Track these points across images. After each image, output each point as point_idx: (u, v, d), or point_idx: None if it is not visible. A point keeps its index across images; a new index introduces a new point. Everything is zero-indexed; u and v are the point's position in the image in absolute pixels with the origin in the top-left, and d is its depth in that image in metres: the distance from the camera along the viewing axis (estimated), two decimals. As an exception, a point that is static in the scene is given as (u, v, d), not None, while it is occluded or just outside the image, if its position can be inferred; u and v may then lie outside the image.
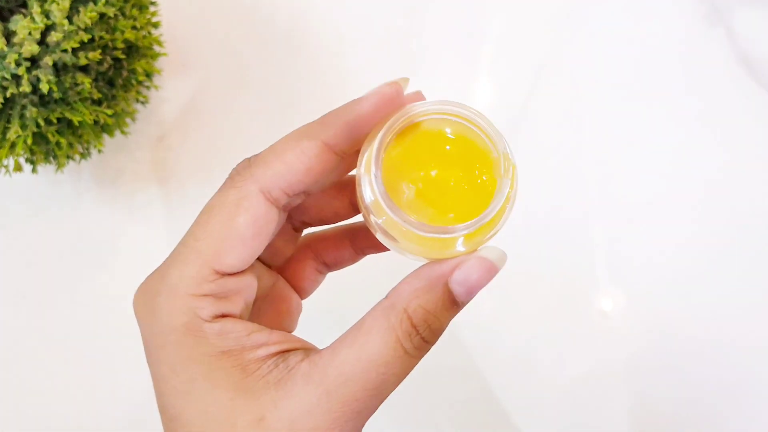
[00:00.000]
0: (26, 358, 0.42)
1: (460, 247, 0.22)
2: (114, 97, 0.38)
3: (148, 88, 0.43)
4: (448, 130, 0.24)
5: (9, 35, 0.33)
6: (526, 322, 0.42)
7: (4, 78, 0.33)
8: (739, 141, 0.44)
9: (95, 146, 0.41)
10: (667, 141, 0.44)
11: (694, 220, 0.43)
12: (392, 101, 0.23)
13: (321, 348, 0.23)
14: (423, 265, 0.23)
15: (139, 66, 0.39)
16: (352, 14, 0.47)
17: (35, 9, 0.33)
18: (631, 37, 0.46)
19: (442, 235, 0.22)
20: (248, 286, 0.24)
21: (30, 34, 0.33)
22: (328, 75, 0.46)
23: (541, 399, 0.41)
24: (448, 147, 0.24)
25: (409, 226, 0.21)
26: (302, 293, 0.30)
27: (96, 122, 0.38)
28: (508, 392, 0.41)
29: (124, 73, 0.38)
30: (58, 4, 0.33)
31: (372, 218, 0.23)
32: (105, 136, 0.42)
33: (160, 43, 0.41)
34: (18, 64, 0.33)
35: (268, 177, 0.23)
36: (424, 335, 0.22)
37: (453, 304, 0.23)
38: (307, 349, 0.23)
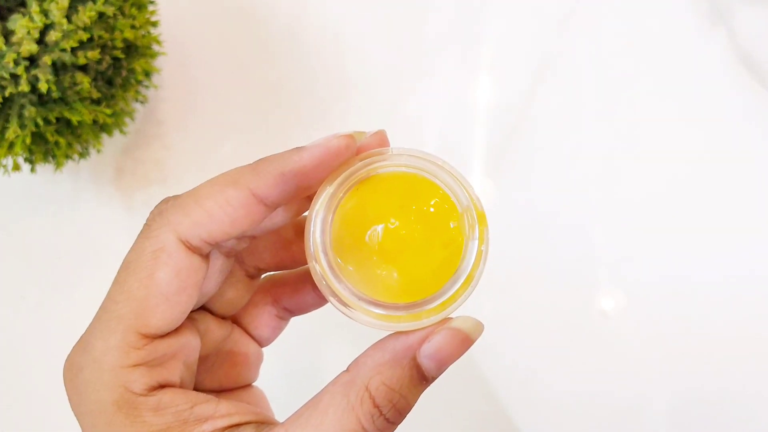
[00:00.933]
0: (25, 357, 0.42)
1: (426, 316, 0.20)
2: (113, 96, 0.38)
3: (147, 87, 0.43)
4: (410, 181, 0.22)
5: (7, 34, 0.33)
6: (526, 322, 0.42)
7: (2, 77, 0.33)
8: (741, 141, 0.44)
9: (94, 146, 0.40)
10: (668, 141, 0.44)
11: (695, 220, 0.43)
12: (338, 156, 0.21)
13: (279, 419, 0.21)
14: (388, 335, 0.21)
15: (138, 65, 0.39)
16: (352, 12, 0.47)
17: (34, 8, 0.33)
18: (630, 36, 0.46)
19: (403, 312, 0.20)
20: (186, 347, 0.22)
21: (29, 33, 0.33)
22: (328, 74, 0.46)
23: (541, 399, 0.41)
24: (409, 202, 0.21)
25: (363, 304, 0.20)
26: (262, 342, 0.27)
27: (95, 122, 0.38)
28: (507, 393, 0.40)
29: (123, 73, 0.38)
30: (57, 3, 0.33)
31: (323, 285, 0.21)
32: (104, 135, 0.42)
33: (159, 43, 0.41)
34: (16, 64, 0.33)
35: (185, 225, 0.20)
36: (387, 416, 0.20)
37: (421, 379, 0.20)
38: (260, 423, 0.21)
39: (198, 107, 0.45)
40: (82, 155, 0.41)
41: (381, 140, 0.23)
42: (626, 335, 0.41)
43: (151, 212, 0.21)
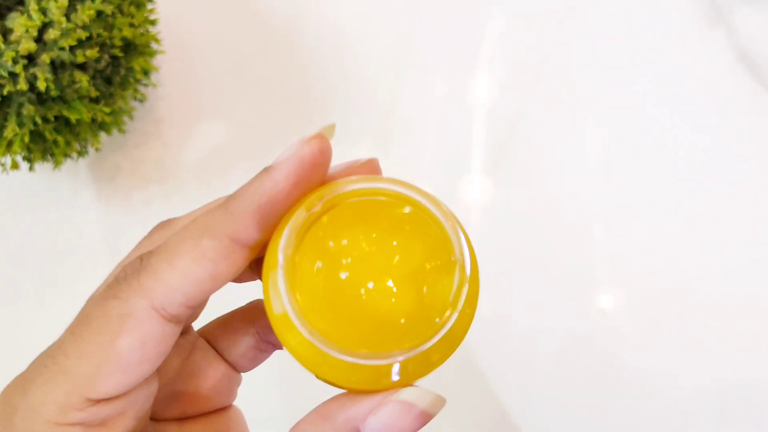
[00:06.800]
0: (23, 357, 0.42)
1: (395, 376, 0.17)
2: (112, 95, 0.38)
3: (146, 86, 0.43)
4: (394, 213, 0.18)
5: (6, 32, 0.33)
6: (525, 320, 0.42)
7: (1, 76, 0.33)
8: (740, 139, 0.44)
9: (93, 144, 0.40)
10: (668, 139, 0.44)
11: (695, 218, 0.43)
12: (314, 165, 0.18)
13: None
14: (332, 399, 0.18)
15: (137, 64, 0.39)
16: (351, 9, 0.47)
17: (32, 6, 0.33)
18: (629, 35, 0.46)
19: (368, 362, 0.17)
20: (137, 402, 0.19)
21: (27, 31, 0.33)
22: (327, 71, 0.46)
23: (540, 398, 0.41)
24: (384, 234, 0.18)
25: (327, 349, 0.17)
26: (238, 368, 0.24)
27: (93, 120, 0.38)
28: (506, 392, 0.40)
29: (122, 71, 0.38)
30: (55, 1, 0.33)
31: (281, 332, 0.18)
32: (102, 134, 0.42)
33: (157, 41, 0.41)
34: (15, 62, 0.33)
35: (159, 291, 0.18)
36: None
37: None
38: None
39: (197, 105, 0.45)
40: (80, 154, 0.40)
41: (372, 167, 0.20)
42: (626, 334, 0.41)
43: (123, 269, 0.19)
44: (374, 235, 0.18)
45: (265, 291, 0.18)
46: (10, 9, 0.34)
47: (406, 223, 0.18)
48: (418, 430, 0.17)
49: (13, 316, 0.42)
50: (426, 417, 0.17)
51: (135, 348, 0.18)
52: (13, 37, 0.33)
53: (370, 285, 0.17)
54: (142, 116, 0.45)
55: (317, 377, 0.18)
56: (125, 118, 0.42)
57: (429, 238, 0.18)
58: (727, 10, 0.45)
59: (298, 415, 0.18)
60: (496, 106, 0.45)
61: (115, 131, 0.43)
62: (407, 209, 0.18)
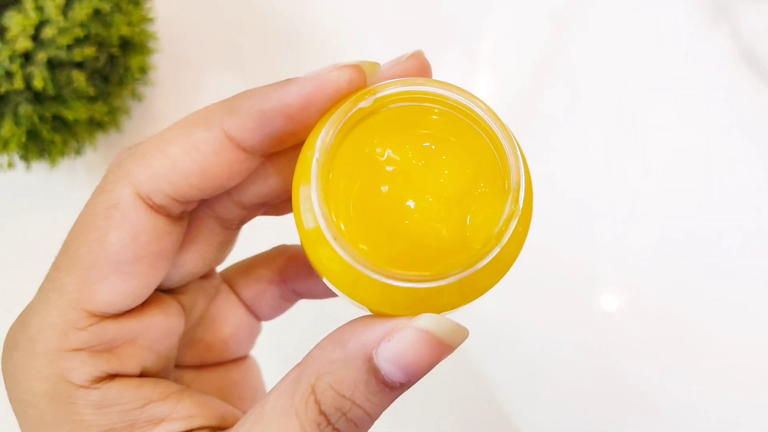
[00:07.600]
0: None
1: (426, 302, 0.16)
2: (109, 93, 0.38)
3: (146, 84, 0.42)
4: (444, 123, 0.16)
5: (2, 31, 0.33)
6: (527, 320, 0.42)
7: (-3, 74, 0.33)
8: (744, 138, 0.44)
9: (90, 143, 0.40)
10: (671, 138, 0.44)
11: (698, 218, 0.43)
12: (337, 93, 0.16)
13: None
14: (348, 323, 0.16)
15: (135, 62, 0.38)
16: (352, 8, 0.47)
17: (29, 4, 0.32)
18: (633, 33, 0.46)
19: (401, 284, 0.15)
20: (152, 329, 0.17)
21: (23, 29, 0.32)
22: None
23: (541, 399, 0.41)
24: (433, 147, 0.16)
25: (358, 265, 0.15)
26: (259, 317, 0.23)
27: (91, 119, 0.38)
28: (507, 392, 0.40)
29: (120, 70, 0.38)
30: (52, -1, 0.32)
31: (311, 250, 0.16)
32: (100, 132, 0.42)
33: (155, 39, 0.41)
34: (11, 61, 0.32)
35: (144, 176, 0.16)
36: (338, 425, 0.15)
37: (382, 385, 0.16)
38: (214, 430, 0.17)
39: (194, 104, 0.45)
40: (77, 153, 0.40)
41: (421, 67, 0.17)
42: (629, 335, 0.41)
43: (111, 162, 0.17)
44: (422, 147, 0.16)
45: (295, 204, 0.16)
46: (6, 6, 0.34)
47: (460, 137, 0.17)
48: (436, 362, 0.15)
49: (8, 317, 0.42)
50: (444, 349, 0.15)
51: (126, 243, 0.16)
52: (9, 35, 0.32)
53: (411, 203, 0.16)
54: (139, 115, 0.45)
55: (349, 299, 0.16)
56: (123, 117, 0.42)
57: (483, 158, 0.16)
58: (730, 8, 0.45)
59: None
60: (496, 105, 0.45)
61: (112, 130, 0.42)
62: (463, 122, 0.16)
